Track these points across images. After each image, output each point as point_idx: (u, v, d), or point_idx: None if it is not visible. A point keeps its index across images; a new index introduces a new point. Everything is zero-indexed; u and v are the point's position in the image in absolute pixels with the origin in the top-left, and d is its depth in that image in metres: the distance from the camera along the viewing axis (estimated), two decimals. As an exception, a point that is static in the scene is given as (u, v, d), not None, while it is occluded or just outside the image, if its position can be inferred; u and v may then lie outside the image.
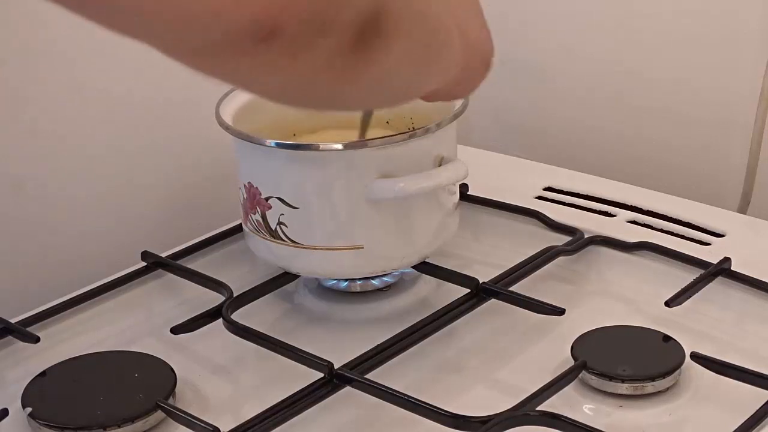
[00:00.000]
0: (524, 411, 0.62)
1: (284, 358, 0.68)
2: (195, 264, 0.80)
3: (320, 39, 0.37)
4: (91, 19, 0.34)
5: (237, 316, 0.72)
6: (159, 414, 0.65)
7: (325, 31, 0.37)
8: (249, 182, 0.73)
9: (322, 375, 0.65)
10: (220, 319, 0.71)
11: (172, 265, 0.79)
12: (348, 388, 0.65)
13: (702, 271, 0.74)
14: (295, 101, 0.43)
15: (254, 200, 0.73)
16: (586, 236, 0.80)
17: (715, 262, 0.75)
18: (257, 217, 0.73)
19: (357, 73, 0.41)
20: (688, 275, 0.74)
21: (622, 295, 0.77)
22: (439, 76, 0.51)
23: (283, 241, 0.72)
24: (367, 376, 0.66)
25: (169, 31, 0.34)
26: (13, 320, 0.73)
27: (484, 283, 0.74)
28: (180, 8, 0.33)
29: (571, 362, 0.67)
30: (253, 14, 0.34)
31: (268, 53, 0.35)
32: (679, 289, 0.72)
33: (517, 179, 0.89)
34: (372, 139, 0.69)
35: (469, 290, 0.73)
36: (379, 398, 0.64)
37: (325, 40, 0.37)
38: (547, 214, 0.83)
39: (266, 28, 0.34)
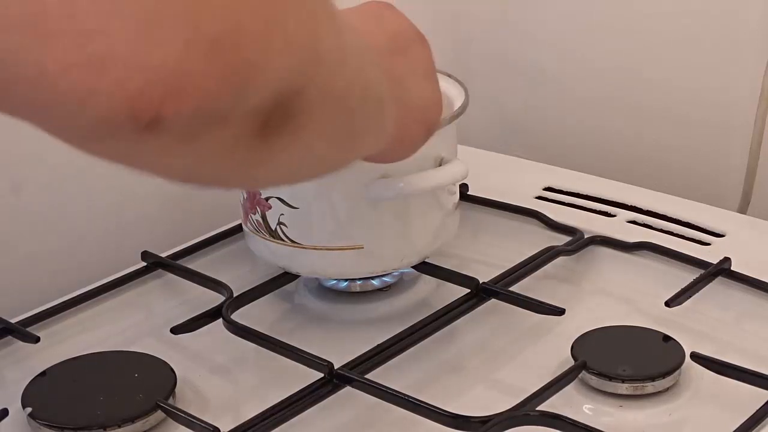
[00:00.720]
0: (524, 411, 0.62)
1: (284, 358, 0.68)
2: (195, 264, 0.80)
3: (214, 128, 0.33)
4: None
5: (237, 316, 0.72)
6: (159, 414, 0.65)
7: (219, 121, 0.33)
8: (249, 182, 0.73)
9: (322, 375, 0.65)
10: (220, 319, 0.71)
11: (172, 265, 0.79)
12: (348, 388, 0.65)
13: (702, 271, 0.74)
14: (203, 183, 0.39)
15: (254, 200, 0.73)
16: (586, 236, 0.80)
17: (715, 262, 0.75)
18: (257, 217, 0.73)
19: (267, 156, 0.37)
20: (688, 275, 0.74)
21: (622, 295, 0.77)
22: (365, 148, 0.49)
23: (283, 241, 0.72)
24: (367, 376, 0.66)
25: (40, 116, 0.31)
26: (13, 320, 0.72)
27: (484, 283, 0.74)
28: (46, 94, 0.29)
29: (571, 362, 0.67)
30: (128, 102, 0.29)
31: (155, 141, 0.31)
32: (679, 289, 0.72)
33: (517, 179, 0.89)
34: (372, 139, 0.69)
35: (469, 290, 0.73)
36: (379, 398, 0.64)
37: (221, 129, 0.33)
38: (547, 214, 0.83)
39: (145, 117, 0.30)
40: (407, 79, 0.56)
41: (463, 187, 0.83)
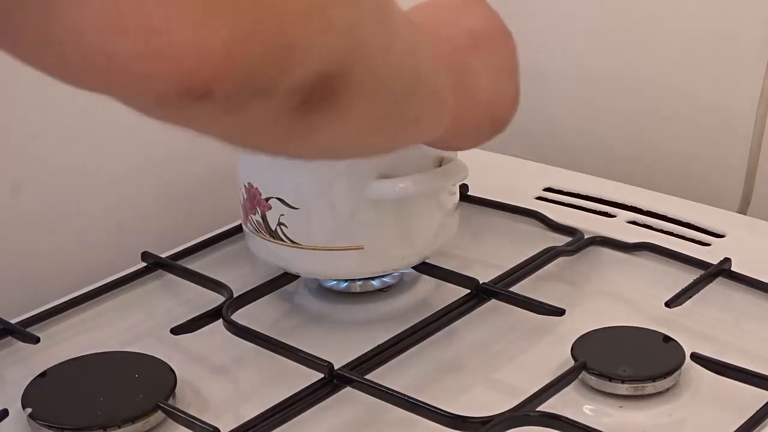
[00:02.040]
0: (524, 411, 0.62)
1: (284, 358, 0.68)
2: (195, 264, 0.80)
3: (257, 101, 0.37)
4: (54, 77, 0.36)
5: (237, 316, 0.72)
6: (159, 414, 0.65)
7: (263, 94, 0.37)
8: (249, 183, 0.73)
9: (322, 375, 0.65)
10: (220, 320, 0.71)
11: (172, 265, 0.79)
12: (348, 389, 0.65)
13: (702, 272, 0.74)
14: (250, 149, 0.44)
15: (254, 201, 0.73)
16: (586, 237, 0.80)
17: (715, 263, 0.75)
18: (257, 217, 0.73)
19: (308, 132, 0.41)
20: (688, 276, 0.74)
21: (622, 296, 0.77)
22: (416, 136, 0.51)
23: (283, 241, 0.72)
24: (367, 377, 0.66)
25: (112, 89, 0.36)
26: (13, 320, 0.72)
27: (484, 283, 0.74)
28: (115, 71, 0.34)
29: (571, 363, 0.67)
30: (183, 82, 0.34)
31: (206, 110, 0.36)
32: (679, 290, 0.72)
33: (517, 179, 0.89)
34: (372, 139, 0.69)
35: (469, 291, 0.73)
36: (379, 398, 0.64)
37: (264, 103, 0.37)
38: (547, 215, 0.83)
39: (196, 92, 0.35)
40: (479, 73, 0.57)
41: (463, 188, 0.83)
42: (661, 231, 0.81)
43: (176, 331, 0.71)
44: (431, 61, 0.48)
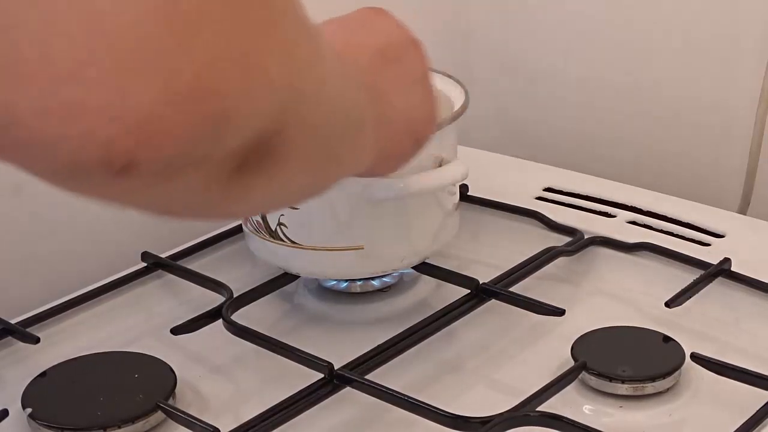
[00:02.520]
0: (524, 411, 0.62)
1: (284, 358, 0.68)
2: (195, 264, 0.80)
3: (188, 172, 0.32)
4: None
5: (237, 316, 0.72)
6: (159, 414, 0.65)
7: (193, 165, 0.32)
8: (249, 182, 0.73)
9: (322, 375, 0.65)
10: (220, 320, 0.71)
11: (172, 265, 0.79)
12: (348, 389, 0.65)
13: (702, 272, 0.74)
14: (179, 217, 0.39)
15: (254, 200, 0.73)
16: (586, 237, 0.80)
17: (715, 263, 0.75)
18: (257, 217, 0.73)
19: (242, 193, 0.36)
20: (688, 276, 0.74)
21: (622, 296, 0.77)
22: (346, 171, 0.48)
23: (283, 241, 0.72)
24: (367, 377, 0.66)
25: (11, 153, 0.30)
26: (13, 320, 0.72)
27: (484, 283, 0.73)
28: (14, 129, 0.29)
29: (571, 363, 0.67)
30: (100, 150, 0.29)
31: (127, 183, 0.31)
32: (679, 290, 0.72)
33: (517, 179, 0.89)
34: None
35: (469, 291, 0.73)
36: (379, 399, 0.64)
37: (195, 172, 0.33)
38: (547, 215, 0.83)
39: (117, 164, 0.29)
40: (394, 92, 0.55)
41: (463, 188, 0.83)
42: (661, 231, 0.81)
43: (176, 331, 0.71)
44: (355, 92, 0.45)
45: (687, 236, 0.80)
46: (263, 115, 0.33)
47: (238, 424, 0.62)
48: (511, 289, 0.74)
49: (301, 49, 0.36)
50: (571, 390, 0.66)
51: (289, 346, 0.68)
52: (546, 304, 0.71)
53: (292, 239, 0.72)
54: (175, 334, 0.71)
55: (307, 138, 0.38)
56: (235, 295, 0.73)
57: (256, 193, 0.37)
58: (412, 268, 0.76)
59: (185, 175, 0.32)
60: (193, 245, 0.81)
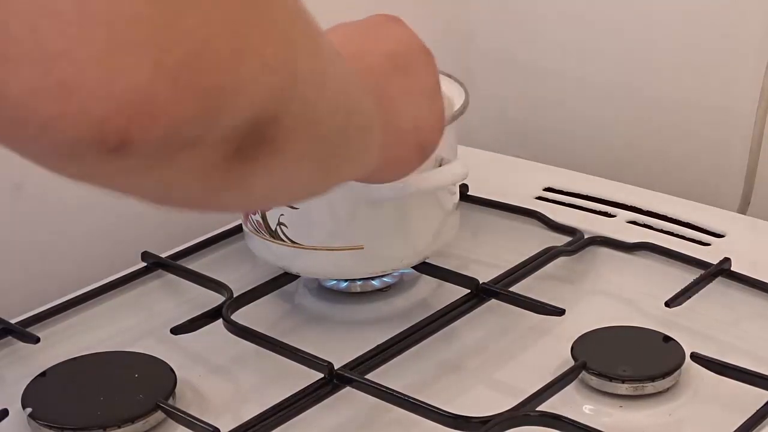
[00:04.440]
0: (524, 411, 0.62)
1: (284, 358, 0.68)
2: (195, 264, 0.80)
3: (184, 153, 0.32)
4: None
5: (237, 316, 0.72)
6: (159, 414, 0.65)
7: (189, 146, 0.32)
8: (249, 182, 0.73)
9: (322, 375, 0.65)
10: (220, 320, 0.71)
11: (172, 265, 0.79)
12: (348, 389, 0.65)
13: (702, 272, 0.74)
14: (174, 205, 0.38)
15: (254, 200, 0.73)
16: (586, 236, 0.80)
17: (715, 263, 0.75)
18: (257, 217, 0.73)
19: (239, 181, 0.36)
20: (688, 275, 0.74)
21: (622, 295, 0.77)
22: (348, 174, 0.48)
23: (283, 241, 0.72)
24: (367, 377, 0.66)
25: (4, 137, 0.30)
26: (13, 320, 0.72)
27: (484, 283, 0.74)
28: (8, 110, 0.29)
29: (571, 362, 0.67)
30: (94, 128, 0.29)
31: (122, 164, 0.31)
32: (679, 290, 0.72)
33: (517, 179, 0.89)
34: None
35: (469, 290, 0.73)
36: (379, 398, 0.64)
37: (191, 154, 0.32)
38: (547, 215, 0.83)
39: (111, 143, 0.29)
40: (402, 101, 0.55)
41: (463, 188, 0.83)
42: (661, 231, 0.81)
43: (176, 331, 0.71)
44: (361, 94, 0.45)
45: (687, 236, 0.80)
46: (257, 96, 0.33)
47: (238, 424, 0.62)
48: (511, 289, 0.74)
49: (298, 36, 0.36)
50: (571, 390, 0.66)
51: (289, 345, 0.68)
52: (546, 304, 0.71)
53: (292, 239, 0.72)
54: (175, 334, 0.71)
55: (307, 132, 0.38)
56: (235, 295, 0.73)
57: (255, 186, 0.37)
58: (412, 267, 0.76)
59: (180, 156, 0.32)
60: (193, 245, 0.81)
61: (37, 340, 0.71)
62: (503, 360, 0.71)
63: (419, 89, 0.56)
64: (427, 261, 0.76)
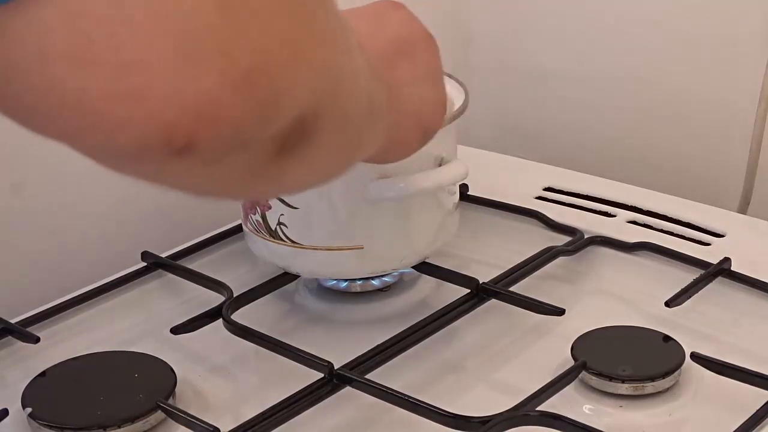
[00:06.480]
0: (524, 411, 0.62)
1: (284, 358, 0.68)
2: (195, 264, 0.80)
3: (238, 152, 0.35)
4: (16, 122, 0.32)
5: (237, 316, 0.72)
6: (159, 414, 0.65)
7: (244, 146, 0.34)
8: (249, 182, 0.73)
9: (322, 375, 0.65)
10: (220, 319, 0.71)
11: (172, 265, 0.79)
12: (348, 389, 0.65)
13: (702, 271, 0.74)
14: (214, 197, 0.42)
15: (254, 200, 0.73)
16: (586, 236, 0.80)
17: (715, 262, 0.75)
18: (257, 217, 0.73)
19: (279, 174, 0.39)
20: (688, 275, 0.74)
21: (622, 295, 0.77)
22: (362, 156, 0.50)
23: (283, 241, 0.72)
24: (367, 377, 0.66)
25: (82, 133, 0.32)
26: (13, 320, 0.72)
27: (484, 283, 0.74)
28: (86, 111, 0.30)
29: (571, 362, 0.67)
30: (163, 131, 0.31)
31: (182, 163, 0.33)
32: (679, 289, 0.72)
33: (517, 179, 0.89)
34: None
35: (469, 290, 0.73)
36: (379, 398, 0.64)
37: (243, 152, 0.35)
38: (547, 214, 0.83)
39: (178, 144, 0.32)
40: (406, 84, 0.56)
41: (463, 187, 0.83)
42: (661, 231, 0.81)
43: (176, 330, 0.71)
44: (375, 82, 0.47)
45: (687, 236, 0.80)
46: (305, 97, 0.36)
47: (238, 424, 0.62)
48: (511, 289, 0.74)
49: (336, 36, 0.38)
50: (571, 390, 0.66)
51: (289, 345, 0.68)
52: (546, 304, 0.71)
53: (293, 239, 0.72)
54: (175, 334, 0.71)
55: (339, 123, 0.40)
56: (235, 295, 0.73)
57: (288, 174, 0.40)
58: (412, 267, 0.76)
59: (234, 155, 0.35)
60: (193, 245, 0.81)
61: (37, 340, 0.71)
62: (503, 360, 0.71)
63: (422, 73, 0.57)
64: (427, 261, 0.76)
